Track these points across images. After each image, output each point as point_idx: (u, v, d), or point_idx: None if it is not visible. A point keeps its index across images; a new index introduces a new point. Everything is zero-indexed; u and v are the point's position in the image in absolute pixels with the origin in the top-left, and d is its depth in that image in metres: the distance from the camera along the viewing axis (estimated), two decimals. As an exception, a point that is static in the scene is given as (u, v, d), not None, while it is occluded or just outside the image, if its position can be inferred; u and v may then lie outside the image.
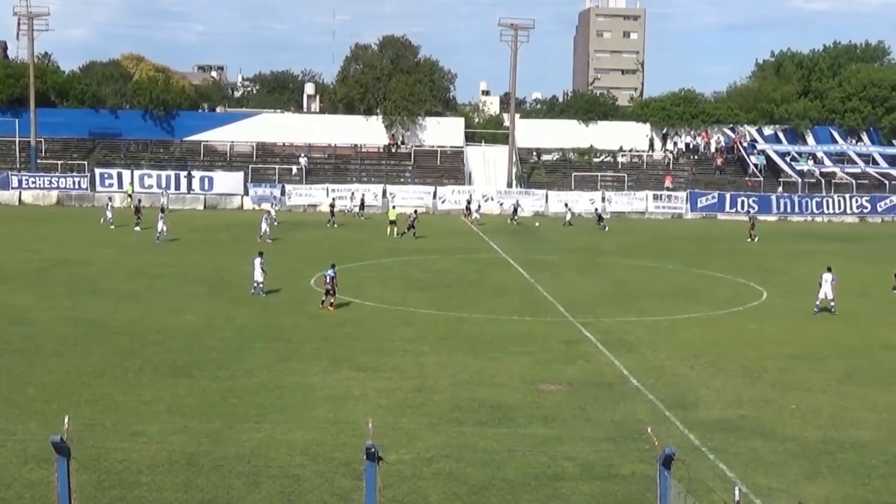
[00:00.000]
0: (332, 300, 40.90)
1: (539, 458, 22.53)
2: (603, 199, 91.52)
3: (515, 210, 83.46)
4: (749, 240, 70.79)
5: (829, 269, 43.19)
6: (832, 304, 42.28)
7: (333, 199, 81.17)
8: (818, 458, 23.44)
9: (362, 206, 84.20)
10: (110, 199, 77.92)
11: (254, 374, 30.13)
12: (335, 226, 73.72)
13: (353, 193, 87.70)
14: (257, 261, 43.87)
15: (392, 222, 69.38)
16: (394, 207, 74.98)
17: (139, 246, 60.29)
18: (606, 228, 76.69)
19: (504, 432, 24.71)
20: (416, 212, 71.75)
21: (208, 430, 24.09)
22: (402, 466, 21.36)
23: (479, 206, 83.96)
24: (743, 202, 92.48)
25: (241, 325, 37.74)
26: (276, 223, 68.76)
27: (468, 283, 49.86)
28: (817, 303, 42.51)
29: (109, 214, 71.30)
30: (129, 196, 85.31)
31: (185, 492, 19.94)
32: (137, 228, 68.08)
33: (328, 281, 40.98)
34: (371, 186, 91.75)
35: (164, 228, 62.49)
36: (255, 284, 43.76)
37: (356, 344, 34.70)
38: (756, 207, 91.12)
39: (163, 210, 66.40)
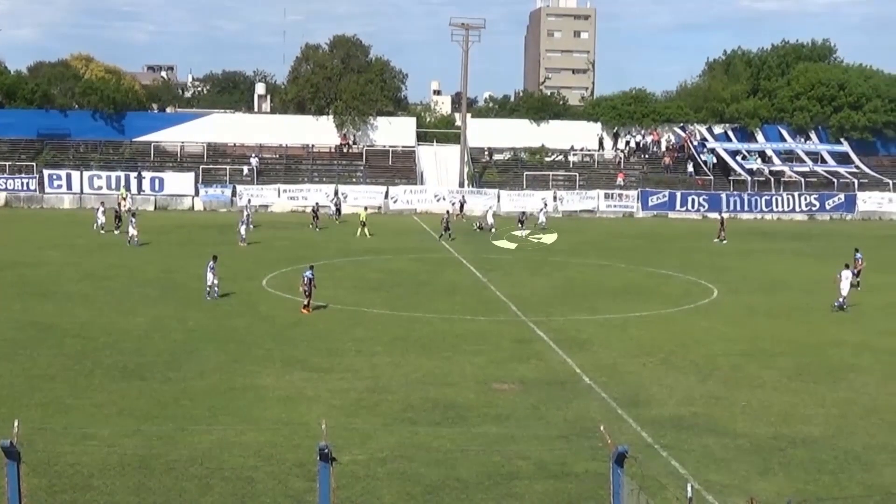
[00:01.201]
0: (306, 302, 40.54)
1: (493, 458, 22.57)
2: (554, 199, 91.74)
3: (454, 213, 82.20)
4: (717, 239, 70.05)
5: (848, 266, 43.84)
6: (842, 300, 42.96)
7: (317, 202, 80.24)
8: (769, 454, 23.64)
9: (338, 211, 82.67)
10: (102, 203, 74.73)
11: (206, 376, 29.99)
12: (318, 229, 72.69)
13: (336, 195, 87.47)
14: (210, 264, 43.57)
15: (363, 223, 69.28)
16: (365, 209, 74.88)
17: (89, 248, 59.80)
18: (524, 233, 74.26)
19: (457, 432, 24.74)
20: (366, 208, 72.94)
21: (160, 432, 23.96)
22: (355, 467, 21.33)
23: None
24: (693, 201, 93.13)
25: (193, 326, 37.55)
26: (251, 227, 67.58)
27: (421, 282, 49.86)
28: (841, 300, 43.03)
29: (101, 219, 69.03)
30: (124, 199, 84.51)
31: (137, 495, 19.82)
32: (117, 232, 67.10)
33: (305, 282, 40.64)
34: (322, 186, 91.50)
35: (136, 233, 61.39)
36: (209, 288, 43.43)
37: (309, 345, 34.62)
38: (706, 206, 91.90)
39: (133, 214, 65.27)
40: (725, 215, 78.13)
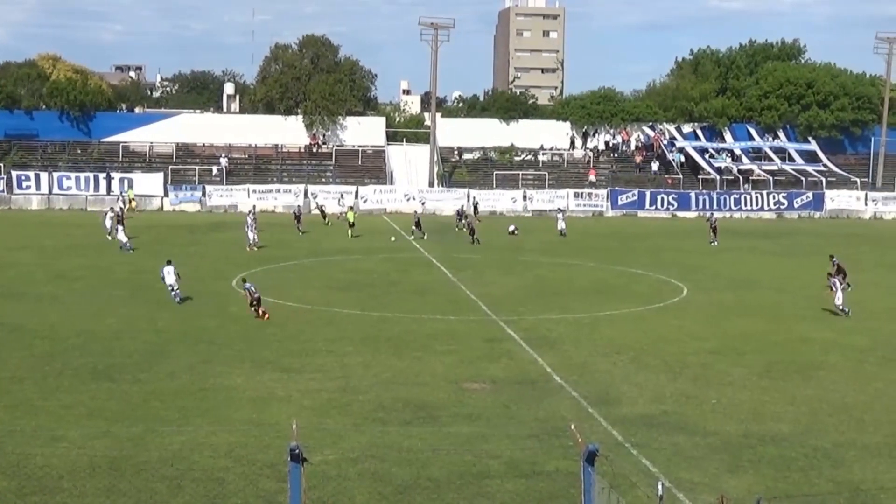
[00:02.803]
0: (260, 309, 40.30)
1: (464, 457, 22.61)
2: (524, 198, 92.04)
3: (459, 215, 78.34)
4: (713, 242, 67.85)
5: (831, 274, 43.63)
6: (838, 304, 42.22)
7: (321, 205, 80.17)
8: (739, 451, 23.77)
9: (322, 214, 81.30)
10: (112, 208, 69.91)
11: (176, 377, 29.90)
12: (302, 233, 70.70)
13: (341, 196, 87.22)
14: (169, 268, 43.11)
15: (351, 225, 68.96)
16: (350, 209, 74.65)
17: (59, 249, 59.47)
18: (461, 229, 72.79)
19: (429, 431, 24.76)
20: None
21: (130, 433, 23.87)
22: (326, 467, 21.33)
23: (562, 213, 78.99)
24: (663, 199, 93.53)
25: (163, 327, 37.41)
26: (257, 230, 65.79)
27: (391, 282, 49.84)
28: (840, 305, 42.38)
29: (109, 224, 65.06)
30: (132, 200, 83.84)
31: (107, 497, 19.75)
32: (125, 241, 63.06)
33: (247, 295, 40.31)
34: (292, 187, 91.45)
35: (126, 239, 60.05)
36: (172, 289, 43.05)
37: (279, 345, 34.56)
38: (675, 205, 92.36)
39: (121, 221, 63.46)
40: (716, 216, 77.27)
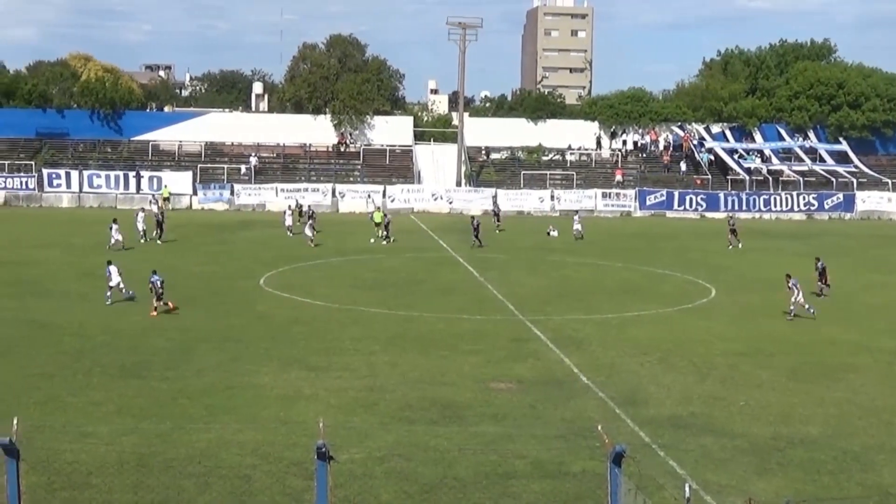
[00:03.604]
0: (157, 304, 40.05)
1: (490, 457, 22.59)
2: (552, 198, 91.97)
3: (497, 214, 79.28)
4: (731, 246, 66.77)
5: (790, 276, 42.73)
6: (805, 305, 41.61)
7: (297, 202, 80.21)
8: (767, 454, 23.66)
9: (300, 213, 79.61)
10: (143, 208, 68.04)
11: (203, 375, 30.00)
12: (291, 234, 70.27)
13: (369, 196, 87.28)
14: (112, 268, 42.49)
15: (377, 224, 68.40)
16: (378, 209, 74.40)
17: (87, 247, 59.69)
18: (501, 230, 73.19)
19: (455, 431, 24.75)
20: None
21: (158, 430, 23.97)
22: (353, 466, 21.34)
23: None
24: (691, 200, 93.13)
25: (190, 325, 37.54)
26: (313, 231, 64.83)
27: (418, 281, 49.85)
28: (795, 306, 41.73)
29: (142, 226, 63.16)
30: (166, 200, 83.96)
31: (135, 493, 19.84)
32: (160, 242, 62.56)
33: (156, 287, 40.20)
34: (320, 186, 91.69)
35: (120, 238, 58.78)
36: (118, 288, 42.26)
37: (306, 343, 34.62)
38: (704, 205, 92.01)
39: (161, 224, 63.30)
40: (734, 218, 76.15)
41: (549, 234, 71.44)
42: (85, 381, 29.06)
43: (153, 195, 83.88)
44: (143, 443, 23.03)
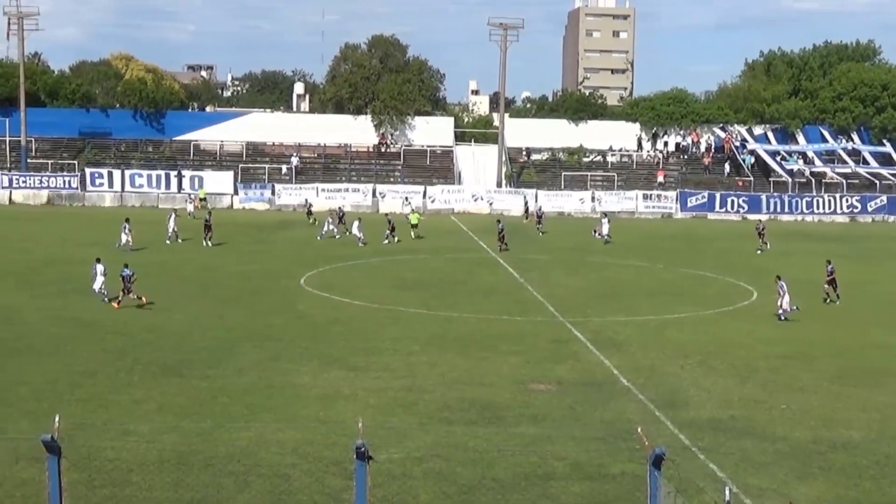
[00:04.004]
0: (122, 297, 40.64)
1: (529, 458, 22.56)
2: (592, 199, 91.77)
3: (527, 210, 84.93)
4: (759, 251, 65.07)
5: (780, 278, 42.32)
6: (790, 307, 41.20)
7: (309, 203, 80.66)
8: (809, 458, 23.48)
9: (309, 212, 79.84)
10: (175, 210, 67.03)
11: (244, 374, 30.12)
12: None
13: (406, 198, 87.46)
14: (99, 266, 42.41)
15: (413, 226, 68.64)
16: (413, 211, 74.30)
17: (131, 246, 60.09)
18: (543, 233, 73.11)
19: (494, 431, 24.73)
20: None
21: (199, 429, 24.08)
22: (392, 466, 21.36)
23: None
24: (733, 202, 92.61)
25: (231, 324, 37.71)
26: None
27: (457, 282, 49.84)
28: (784, 310, 41.26)
29: (172, 227, 62.99)
30: (202, 200, 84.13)
31: (175, 491, 19.94)
32: (209, 244, 61.06)
33: (124, 281, 40.70)
34: (361, 186, 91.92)
35: (129, 239, 58.46)
36: (99, 290, 42.12)
37: (346, 343, 34.69)
38: (746, 207, 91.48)
39: (209, 227, 61.67)
40: (763, 217, 75.57)
41: (594, 235, 71.15)
42: (126, 379, 29.25)
43: (189, 195, 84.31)
44: (183, 441, 23.15)
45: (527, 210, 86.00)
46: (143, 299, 40.53)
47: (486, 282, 50.09)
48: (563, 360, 33.01)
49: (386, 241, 64.32)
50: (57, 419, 14.55)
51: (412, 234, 67.85)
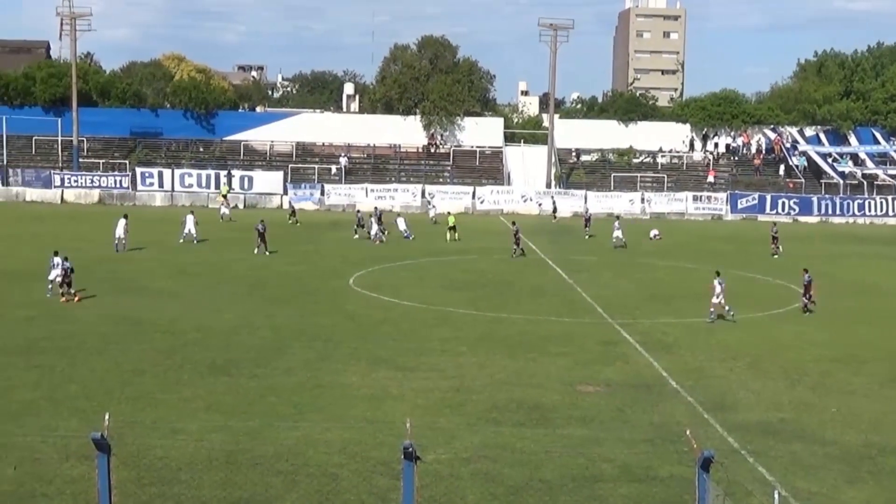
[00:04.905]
0: (65, 291, 40.98)
1: (577, 460, 22.51)
2: (642, 201, 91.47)
3: (555, 210, 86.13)
4: (774, 255, 63.89)
5: (719, 274, 41.78)
6: (727, 311, 40.78)
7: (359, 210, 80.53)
8: (859, 462, 23.27)
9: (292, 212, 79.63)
10: (192, 211, 66.32)
11: (292, 373, 30.23)
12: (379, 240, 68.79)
13: (430, 200, 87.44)
14: (56, 259, 42.10)
15: (451, 228, 68.19)
16: (449, 214, 74.05)
17: (180, 245, 60.51)
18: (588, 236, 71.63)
19: (542, 433, 24.69)
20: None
21: (247, 428, 24.20)
22: (439, 466, 21.37)
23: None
24: (784, 204, 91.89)
25: (280, 324, 37.86)
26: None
27: (506, 283, 49.78)
28: (712, 310, 40.75)
29: (188, 229, 62.23)
30: (224, 197, 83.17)
31: (223, 489, 20.04)
32: (265, 252, 57.60)
33: (64, 273, 40.92)
34: (410, 186, 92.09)
35: (122, 236, 56.99)
36: (52, 281, 42.06)
37: (394, 343, 34.74)
38: (797, 209, 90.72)
39: (125, 216, 59.32)
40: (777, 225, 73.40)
41: (651, 237, 70.86)
42: (175, 377, 29.44)
43: (222, 196, 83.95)
44: (231, 440, 23.26)
45: (555, 210, 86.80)
46: (76, 297, 40.96)
47: (534, 283, 50.01)
48: (612, 362, 32.91)
49: (378, 241, 65.09)
50: (107, 417, 14.68)
51: (450, 236, 67.04)
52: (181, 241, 61.78)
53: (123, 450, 17.79)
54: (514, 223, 62.24)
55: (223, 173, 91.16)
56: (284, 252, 58.02)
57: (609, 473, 21.81)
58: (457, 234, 66.97)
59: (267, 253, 56.89)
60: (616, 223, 68.94)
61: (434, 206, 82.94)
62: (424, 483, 17.22)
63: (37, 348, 32.74)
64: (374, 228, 66.07)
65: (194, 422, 24.74)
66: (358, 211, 74.34)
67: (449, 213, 74.31)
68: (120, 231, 56.99)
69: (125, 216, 58.51)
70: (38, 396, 27.03)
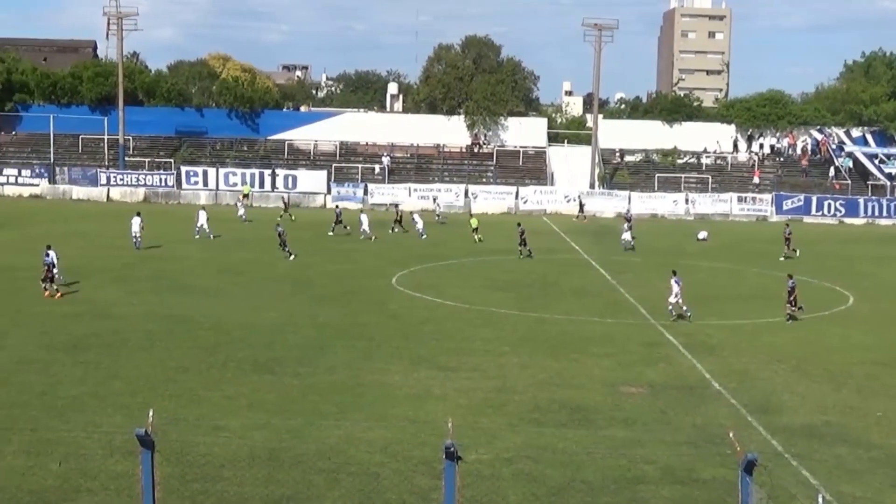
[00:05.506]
0: (52, 286, 41.20)
1: (619, 461, 22.45)
2: (686, 201, 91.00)
3: (581, 208, 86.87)
4: (782, 257, 61.66)
5: (675, 273, 41.45)
6: (685, 309, 40.49)
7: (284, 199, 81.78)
8: (905, 466, 23.07)
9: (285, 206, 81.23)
10: (203, 207, 69.11)
11: (335, 372, 30.32)
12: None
13: (435, 199, 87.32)
14: (52, 252, 42.20)
15: (475, 230, 67.48)
16: (471, 216, 73.57)
17: (224, 243, 60.84)
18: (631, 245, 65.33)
19: (584, 434, 24.65)
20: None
21: (289, 426, 24.30)
22: (481, 466, 21.38)
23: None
24: (830, 205, 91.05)
25: (323, 322, 37.98)
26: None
27: (549, 283, 49.70)
28: (670, 308, 40.52)
29: (200, 223, 64.04)
30: (245, 196, 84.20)
31: (266, 487, 20.14)
32: (291, 257, 55.33)
33: (48, 268, 41.07)
34: (452, 186, 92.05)
35: (138, 233, 57.47)
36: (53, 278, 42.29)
37: (437, 343, 34.76)
38: (843, 211, 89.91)
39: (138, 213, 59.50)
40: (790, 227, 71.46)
41: (699, 239, 70.40)
42: (219, 375, 29.60)
43: (241, 196, 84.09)
44: (273, 437, 23.36)
45: (581, 209, 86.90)
46: (58, 293, 41.18)
47: (577, 283, 49.90)
48: (655, 364, 32.78)
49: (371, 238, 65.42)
50: (151, 414, 14.77)
51: (475, 237, 66.20)
52: (196, 236, 63.23)
53: (167, 446, 17.91)
54: (519, 224, 61.57)
55: (267, 172, 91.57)
56: (328, 251, 58.20)
57: (651, 475, 21.74)
58: (479, 235, 66.09)
59: (292, 257, 54.91)
60: (625, 224, 67.69)
61: (439, 206, 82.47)
62: (466, 483, 17.21)
63: (82, 345, 33.04)
64: (365, 223, 66.32)
65: (237, 419, 24.86)
66: (336, 207, 76.33)
67: (471, 214, 74.21)
68: (136, 228, 57.60)
69: (138, 213, 58.97)
70: (83, 392, 27.29)
